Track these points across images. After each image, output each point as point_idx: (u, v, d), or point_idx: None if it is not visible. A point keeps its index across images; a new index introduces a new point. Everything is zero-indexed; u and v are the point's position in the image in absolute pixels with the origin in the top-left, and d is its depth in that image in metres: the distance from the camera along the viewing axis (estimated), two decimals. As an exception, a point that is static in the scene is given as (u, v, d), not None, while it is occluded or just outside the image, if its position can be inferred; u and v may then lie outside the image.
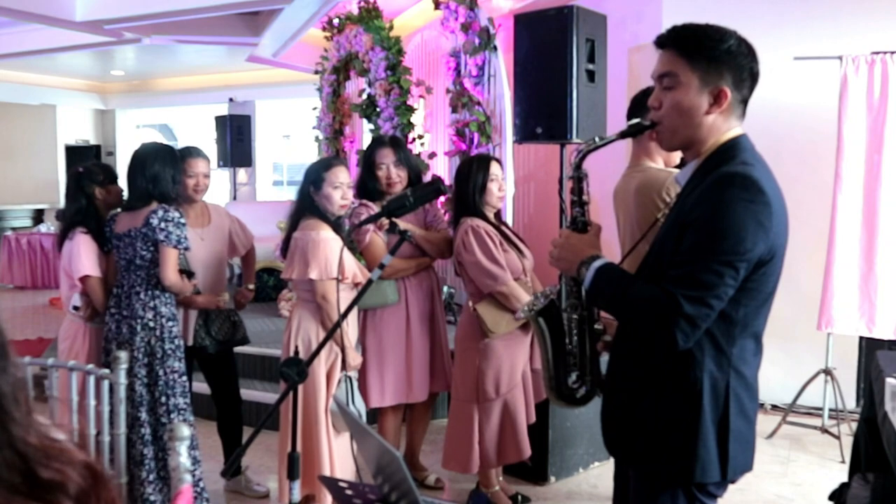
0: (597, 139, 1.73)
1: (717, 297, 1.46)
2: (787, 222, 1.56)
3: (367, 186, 3.42)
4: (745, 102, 1.59)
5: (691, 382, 1.53)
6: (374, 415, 3.60)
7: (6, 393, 0.81)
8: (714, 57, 1.53)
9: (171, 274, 2.97)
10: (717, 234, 1.45)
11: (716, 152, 1.56)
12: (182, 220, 2.99)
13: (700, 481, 1.54)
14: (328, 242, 2.91)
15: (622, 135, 1.73)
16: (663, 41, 1.59)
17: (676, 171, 2.26)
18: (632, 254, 2.00)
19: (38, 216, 12.02)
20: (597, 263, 1.61)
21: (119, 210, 3.15)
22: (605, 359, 1.82)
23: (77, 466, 0.82)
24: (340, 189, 2.98)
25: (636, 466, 1.67)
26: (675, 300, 1.46)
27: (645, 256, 1.69)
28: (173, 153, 3.14)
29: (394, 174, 3.37)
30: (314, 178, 3.00)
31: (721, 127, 1.57)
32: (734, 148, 1.55)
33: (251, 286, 3.69)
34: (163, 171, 3.02)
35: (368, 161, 3.44)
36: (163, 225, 2.93)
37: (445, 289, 5.30)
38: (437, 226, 3.50)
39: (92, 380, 2.34)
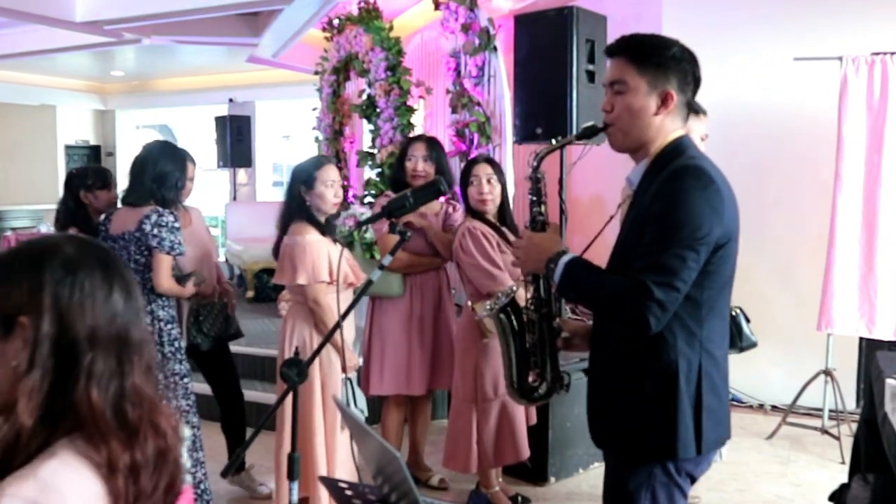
0: (554, 141, 1.89)
1: (682, 281, 1.57)
2: (737, 210, 1.69)
3: (395, 176, 3.51)
4: (688, 106, 1.73)
5: (667, 364, 1.63)
6: (378, 411, 3.66)
7: (136, 340, 1.03)
8: (660, 62, 1.68)
9: (164, 281, 2.91)
10: (677, 223, 1.58)
11: (664, 151, 1.70)
12: (176, 225, 2.93)
13: (682, 457, 1.63)
14: (314, 246, 2.89)
15: (577, 137, 1.89)
16: (613, 50, 1.75)
17: None
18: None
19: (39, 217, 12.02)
20: (566, 258, 1.72)
21: (115, 209, 3.10)
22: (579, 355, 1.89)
23: (162, 423, 1.01)
24: (333, 187, 2.96)
25: (618, 449, 1.74)
26: (645, 287, 1.56)
27: (611, 253, 1.77)
28: (182, 156, 3.12)
29: (420, 168, 3.41)
30: (305, 178, 2.96)
31: (668, 128, 1.71)
32: (680, 146, 1.70)
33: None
34: (171, 172, 3.00)
35: (402, 151, 3.52)
36: (156, 231, 2.87)
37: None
38: (455, 228, 3.51)
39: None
